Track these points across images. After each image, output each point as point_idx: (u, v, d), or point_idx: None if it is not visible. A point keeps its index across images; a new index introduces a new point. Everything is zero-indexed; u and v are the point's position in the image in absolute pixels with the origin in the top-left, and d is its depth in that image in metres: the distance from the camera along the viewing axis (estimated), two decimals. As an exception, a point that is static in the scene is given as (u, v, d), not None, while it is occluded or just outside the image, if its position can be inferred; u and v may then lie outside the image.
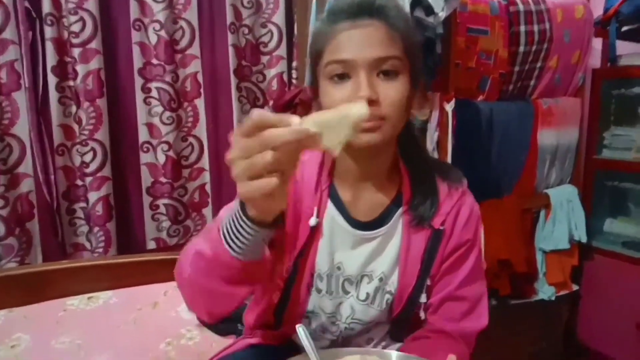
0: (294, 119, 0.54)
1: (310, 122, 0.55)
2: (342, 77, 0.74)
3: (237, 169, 0.54)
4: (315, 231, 0.83)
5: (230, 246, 0.64)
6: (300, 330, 0.72)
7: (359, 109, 0.57)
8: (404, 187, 0.85)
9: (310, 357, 0.70)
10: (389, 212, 0.85)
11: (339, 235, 0.84)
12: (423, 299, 0.86)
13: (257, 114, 0.54)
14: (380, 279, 0.85)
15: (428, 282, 0.85)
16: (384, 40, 0.73)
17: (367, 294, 0.86)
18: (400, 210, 0.85)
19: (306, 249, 0.83)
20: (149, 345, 1.30)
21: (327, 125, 0.56)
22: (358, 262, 0.85)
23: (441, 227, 0.84)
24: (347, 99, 0.72)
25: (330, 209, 0.84)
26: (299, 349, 0.80)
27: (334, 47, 0.74)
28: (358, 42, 0.73)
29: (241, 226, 0.63)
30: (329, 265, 0.85)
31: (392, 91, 0.74)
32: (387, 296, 0.86)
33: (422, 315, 0.88)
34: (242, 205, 0.62)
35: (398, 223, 0.85)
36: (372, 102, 0.70)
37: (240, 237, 0.63)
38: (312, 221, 0.81)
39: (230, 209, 0.67)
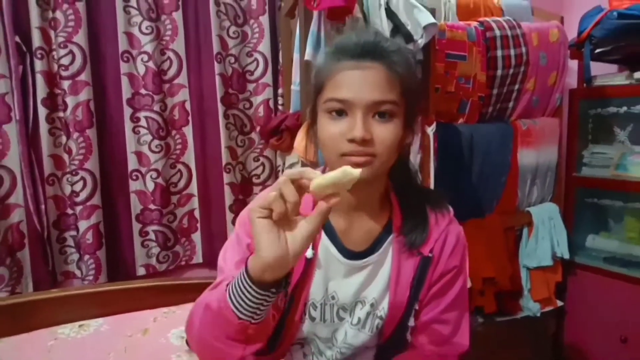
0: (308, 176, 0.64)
1: (317, 181, 0.64)
2: (340, 113, 0.77)
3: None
4: (311, 263, 0.85)
5: (235, 306, 0.67)
6: None
7: (352, 178, 0.64)
8: (394, 215, 0.89)
9: None
10: (379, 240, 0.88)
11: (332, 265, 0.87)
12: (412, 322, 0.89)
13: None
14: (372, 304, 0.88)
15: (416, 306, 0.89)
16: (383, 84, 0.76)
17: (359, 318, 0.89)
18: (390, 237, 0.88)
19: (301, 281, 0.85)
20: (138, 372, 1.30)
21: (331, 184, 0.64)
22: (351, 291, 0.88)
23: (430, 254, 0.87)
24: (342, 135, 0.76)
25: (324, 239, 0.87)
26: None
27: (335, 85, 0.77)
28: (358, 83, 0.76)
29: (245, 289, 0.66)
30: (322, 294, 0.88)
31: (385, 133, 0.76)
32: (378, 321, 0.89)
33: (408, 338, 0.91)
34: (247, 268, 0.66)
35: (388, 250, 0.88)
36: (365, 142, 0.74)
37: (246, 300, 0.66)
38: (309, 253, 0.84)
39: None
